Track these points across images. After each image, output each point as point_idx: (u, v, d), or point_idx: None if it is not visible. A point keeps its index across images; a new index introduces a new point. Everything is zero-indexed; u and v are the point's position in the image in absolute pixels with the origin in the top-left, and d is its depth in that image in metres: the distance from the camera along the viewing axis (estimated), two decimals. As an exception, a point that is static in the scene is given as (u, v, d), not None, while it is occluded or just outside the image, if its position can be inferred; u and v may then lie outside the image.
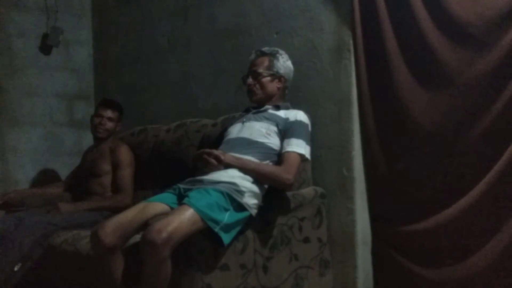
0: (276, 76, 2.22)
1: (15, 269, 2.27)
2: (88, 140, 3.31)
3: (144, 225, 1.76)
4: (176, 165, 2.65)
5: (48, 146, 3.42)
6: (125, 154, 2.78)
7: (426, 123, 2.09)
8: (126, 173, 2.75)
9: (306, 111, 2.18)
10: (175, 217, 1.67)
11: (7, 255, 2.29)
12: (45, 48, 3.43)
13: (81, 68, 3.63)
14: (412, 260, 2.17)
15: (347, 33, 2.34)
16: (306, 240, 2.20)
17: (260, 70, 2.21)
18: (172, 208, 1.86)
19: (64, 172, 3.26)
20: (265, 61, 2.23)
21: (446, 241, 2.05)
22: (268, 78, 2.21)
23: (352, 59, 2.33)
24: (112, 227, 1.75)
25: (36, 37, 3.40)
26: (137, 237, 1.77)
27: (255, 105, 2.28)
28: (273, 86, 2.23)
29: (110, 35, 3.60)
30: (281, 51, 2.26)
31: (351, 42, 2.32)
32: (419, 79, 2.12)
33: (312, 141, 2.16)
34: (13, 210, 2.65)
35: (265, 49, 2.27)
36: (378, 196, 2.30)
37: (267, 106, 2.22)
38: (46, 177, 3.33)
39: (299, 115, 2.12)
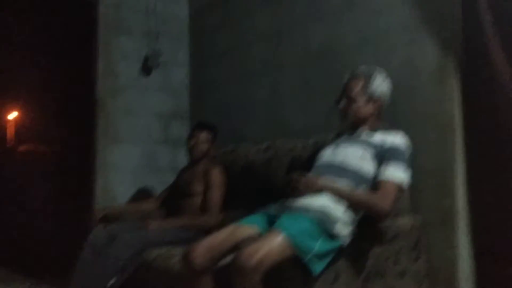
0: (371, 98, 2.09)
1: (110, 283, 2.35)
2: (182, 158, 3.42)
3: (234, 248, 1.74)
4: (265, 185, 2.64)
5: (145, 163, 3.57)
6: (217, 175, 2.81)
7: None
8: (216, 194, 2.77)
9: (403, 134, 2.05)
10: (266, 243, 1.62)
11: (103, 269, 2.38)
12: (145, 69, 3.61)
13: (178, 88, 3.78)
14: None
15: (450, 53, 2.19)
16: (403, 274, 2.05)
17: (354, 93, 2.09)
18: (262, 231, 1.82)
19: (159, 189, 3.38)
20: (359, 84, 2.09)
21: None
22: (362, 102, 2.08)
23: (456, 82, 2.17)
24: (203, 249, 1.75)
25: (138, 59, 3.59)
26: (227, 259, 1.76)
27: (347, 128, 2.18)
28: (367, 109, 2.10)
29: (206, 58, 3.72)
30: (378, 70, 2.12)
31: (455, 63, 2.17)
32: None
33: (412, 168, 2.01)
34: (110, 225, 2.77)
35: (360, 69, 2.14)
36: (484, 230, 2.10)
37: (362, 129, 2.12)
38: (142, 193, 3.47)
39: (397, 139, 1.99)
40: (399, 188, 1.91)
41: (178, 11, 3.84)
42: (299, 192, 1.90)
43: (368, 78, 2.10)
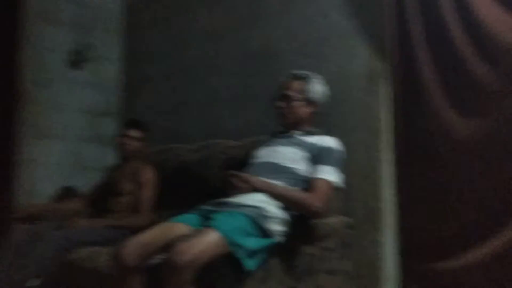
0: (309, 101, 2.15)
1: (32, 283, 2.23)
2: (111, 157, 3.31)
3: (166, 246, 1.70)
4: (199, 185, 2.62)
5: (72, 161, 3.42)
6: (149, 175, 2.75)
7: (463, 153, 2.01)
8: (147, 194, 2.72)
9: (336, 138, 2.11)
10: (200, 240, 1.61)
11: (25, 269, 2.26)
12: (75, 63, 3.46)
13: (109, 85, 3.66)
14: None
15: (380, 59, 2.30)
16: (332, 272, 2.11)
17: (292, 93, 2.13)
18: (195, 230, 1.80)
19: (85, 188, 3.24)
20: (298, 85, 2.14)
21: (484, 280, 1.94)
22: (300, 103, 2.14)
23: (385, 86, 2.27)
24: (134, 247, 1.70)
25: (67, 52, 3.44)
26: (158, 258, 1.72)
27: (282, 129, 2.21)
28: (304, 111, 2.15)
29: (140, 54, 3.63)
30: (315, 75, 2.19)
31: (384, 68, 2.27)
32: (457, 107, 2.05)
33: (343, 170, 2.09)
34: (32, 224, 2.63)
35: (299, 72, 2.19)
36: (408, 229, 2.21)
37: (295, 131, 2.16)
38: (68, 191, 3.31)
39: (331, 142, 2.05)
40: (332, 187, 1.97)
41: (112, 4, 3.72)
42: (234, 190, 1.90)
43: (307, 81, 2.16)
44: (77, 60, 3.45)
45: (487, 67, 1.97)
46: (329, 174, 1.95)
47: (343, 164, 2.04)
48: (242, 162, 2.30)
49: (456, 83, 2.07)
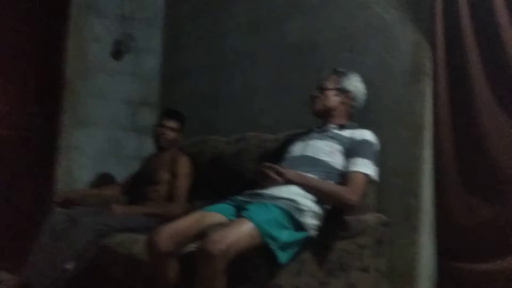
0: (342, 91, 2.14)
1: (68, 267, 2.28)
2: (149, 146, 3.35)
3: (200, 234, 1.71)
4: (233, 177, 2.62)
5: (111, 150, 3.49)
6: (184, 165, 2.78)
7: (508, 153, 1.93)
8: (183, 184, 2.74)
9: (375, 134, 2.07)
10: (234, 230, 1.61)
11: (62, 252, 2.31)
12: (117, 54, 3.53)
13: (149, 75, 3.71)
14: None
15: (425, 55, 2.23)
16: (365, 269, 2.07)
17: (325, 85, 2.15)
18: (229, 220, 1.80)
19: (122, 176, 3.30)
20: (334, 78, 2.16)
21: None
22: (333, 92, 2.13)
23: (429, 82, 2.21)
24: (168, 234, 1.71)
25: (109, 43, 3.51)
26: (192, 246, 1.73)
27: (318, 124, 2.20)
28: (335, 100, 2.14)
29: (180, 45, 3.67)
30: (354, 73, 2.19)
31: (428, 65, 2.21)
32: (505, 106, 1.97)
33: (380, 166, 2.02)
34: (70, 209, 2.69)
35: (340, 68, 2.20)
36: (447, 230, 2.14)
37: (331, 125, 2.14)
38: (105, 179, 3.39)
39: (365, 134, 2.02)
40: (367, 181, 1.93)
41: (154, -4, 3.77)
42: (269, 182, 1.89)
43: (343, 75, 2.16)
44: (119, 51, 3.51)
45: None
46: (365, 167, 1.92)
47: (378, 157, 2.00)
48: (277, 155, 2.29)
49: (505, 83, 1.98)
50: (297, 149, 2.13)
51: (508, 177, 1.95)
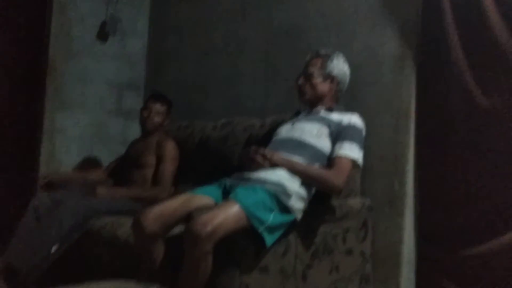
0: (328, 77, 2.13)
1: (52, 250, 2.27)
2: (134, 130, 3.33)
3: (187, 216, 1.72)
4: (220, 162, 2.62)
5: (95, 132, 3.45)
6: (170, 149, 2.77)
7: (489, 139, 1.96)
8: (168, 168, 2.73)
9: (359, 115, 2.09)
10: (221, 212, 1.61)
11: (46, 235, 2.29)
12: (102, 35, 3.47)
13: (134, 58, 3.67)
14: (461, 287, 2.03)
15: (411, 41, 2.24)
16: (349, 252, 2.10)
17: (313, 70, 2.13)
18: (216, 202, 1.81)
19: (107, 159, 3.28)
20: (319, 62, 2.15)
21: (503, 270, 1.91)
22: (319, 79, 2.13)
23: (413, 68, 2.22)
24: (154, 215, 1.71)
25: (95, 24, 3.45)
26: (179, 228, 1.73)
27: (306, 107, 2.20)
28: (323, 87, 2.14)
29: (166, 29, 3.62)
30: (337, 53, 2.18)
31: (413, 50, 2.22)
32: (484, 89, 1.99)
33: (364, 150, 2.04)
34: (55, 191, 2.67)
35: (321, 50, 2.19)
36: (429, 215, 2.18)
37: (319, 108, 2.14)
38: (89, 162, 3.36)
39: (353, 118, 2.03)
40: (353, 165, 1.95)
41: (140, -22, 3.71)
42: (255, 165, 1.89)
43: (327, 58, 2.15)
44: (104, 32, 3.45)
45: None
46: (351, 151, 1.94)
47: (364, 141, 2.02)
48: (264, 139, 2.30)
49: (487, 66, 2.00)
50: (284, 131, 2.14)
51: (489, 160, 1.98)
